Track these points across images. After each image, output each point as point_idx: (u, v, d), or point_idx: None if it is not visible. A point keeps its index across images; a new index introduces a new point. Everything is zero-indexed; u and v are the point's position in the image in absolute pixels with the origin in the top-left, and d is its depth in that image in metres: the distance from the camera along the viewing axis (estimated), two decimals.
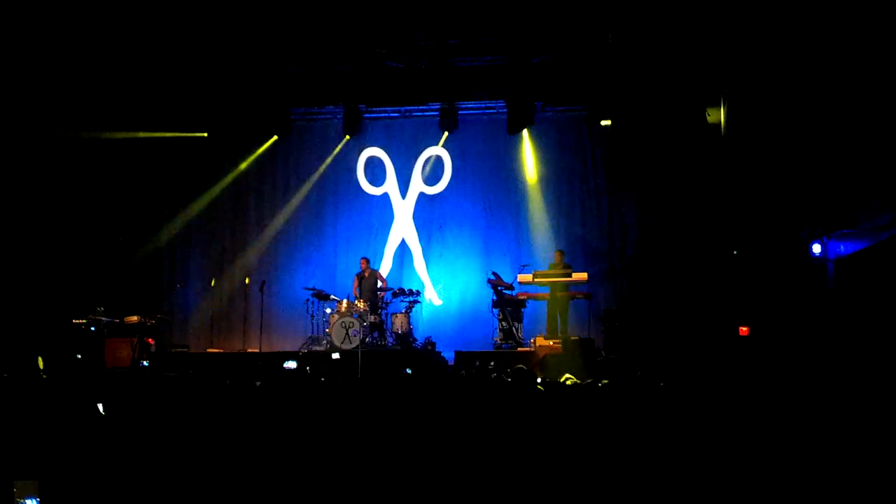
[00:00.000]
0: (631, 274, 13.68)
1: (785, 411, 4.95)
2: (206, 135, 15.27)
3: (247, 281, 14.71)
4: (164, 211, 15.25)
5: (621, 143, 11.90)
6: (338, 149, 15.51)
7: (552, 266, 13.43)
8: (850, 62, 9.05)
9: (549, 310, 13.26)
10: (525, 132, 14.88)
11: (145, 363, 11.74)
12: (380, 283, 13.85)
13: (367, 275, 13.84)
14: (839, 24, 9.16)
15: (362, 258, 14.14)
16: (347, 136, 15.45)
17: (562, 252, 13.68)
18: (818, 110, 9.46)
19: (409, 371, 8.46)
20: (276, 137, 15.49)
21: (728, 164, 12.17)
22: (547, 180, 14.93)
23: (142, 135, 14.51)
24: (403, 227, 15.36)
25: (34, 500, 3.66)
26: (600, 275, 14.00)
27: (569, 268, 13.33)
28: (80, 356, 11.67)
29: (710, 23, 11.22)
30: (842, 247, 9.85)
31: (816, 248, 10.01)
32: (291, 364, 10.66)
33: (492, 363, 10.65)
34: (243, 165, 15.51)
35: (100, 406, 5.26)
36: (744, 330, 10.51)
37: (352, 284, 13.84)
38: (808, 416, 4.78)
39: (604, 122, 13.68)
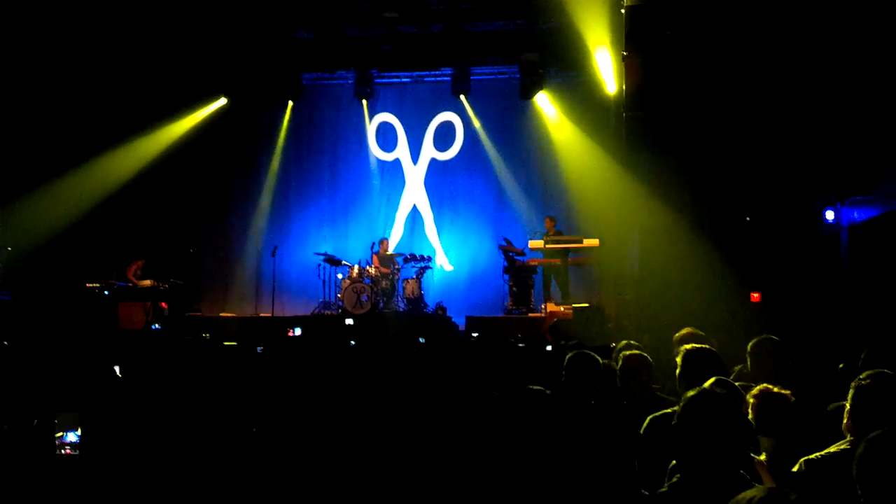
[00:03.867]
0: (643, 239, 13.63)
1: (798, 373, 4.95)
2: (225, 100, 15.16)
3: (258, 246, 14.76)
4: (178, 177, 15.18)
5: (634, 106, 11.79)
6: (366, 116, 15.40)
7: (545, 235, 13.32)
8: (868, 24, 8.91)
9: (560, 276, 13.23)
10: (537, 97, 14.77)
11: (156, 326, 11.84)
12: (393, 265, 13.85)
13: (386, 255, 13.87)
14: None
15: (383, 239, 14.15)
16: (365, 101, 15.36)
17: (552, 219, 13.59)
18: (832, 73, 9.32)
19: (422, 340, 8.50)
20: (291, 103, 15.41)
21: (741, 129, 12.06)
22: (559, 145, 14.85)
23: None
24: (415, 193, 15.34)
25: (75, 433, 3.71)
26: (612, 240, 13.92)
27: (559, 234, 13.28)
28: (91, 319, 11.77)
29: None
30: (855, 213, 9.76)
31: (830, 215, 9.94)
32: (297, 331, 10.71)
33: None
34: (281, 136, 15.43)
35: (116, 368, 5.32)
36: (755, 296, 10.48)
37: (371, 260, 13.82)
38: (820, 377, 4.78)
39: (615, 87, 13.53)
